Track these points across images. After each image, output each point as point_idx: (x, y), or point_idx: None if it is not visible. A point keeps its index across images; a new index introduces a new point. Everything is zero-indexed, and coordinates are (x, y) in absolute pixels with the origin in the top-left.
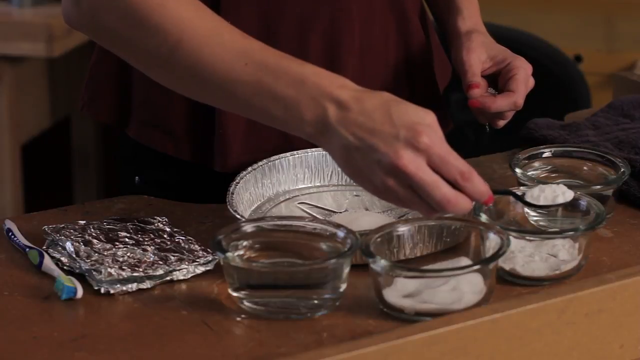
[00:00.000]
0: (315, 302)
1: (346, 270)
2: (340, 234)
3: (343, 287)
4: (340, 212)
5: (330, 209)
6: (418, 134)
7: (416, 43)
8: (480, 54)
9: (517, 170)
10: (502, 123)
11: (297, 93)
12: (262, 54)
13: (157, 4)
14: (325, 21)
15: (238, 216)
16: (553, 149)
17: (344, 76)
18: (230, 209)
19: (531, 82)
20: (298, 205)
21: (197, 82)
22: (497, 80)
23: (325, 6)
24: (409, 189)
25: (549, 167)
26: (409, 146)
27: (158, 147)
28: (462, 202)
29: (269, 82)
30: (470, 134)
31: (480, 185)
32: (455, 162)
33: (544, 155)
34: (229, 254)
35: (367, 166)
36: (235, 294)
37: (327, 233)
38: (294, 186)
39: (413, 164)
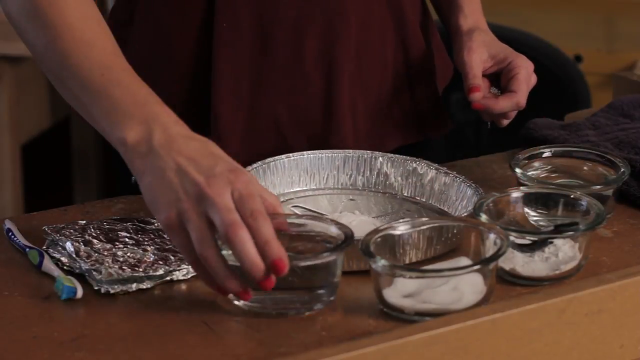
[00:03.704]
0: (311, 297)
1: (340, 264)
2: (334, 229)
3: (338, 281)
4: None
5: (326, 212)
6: (233, 170)
7: (415, 44)
8: (481, 53)
9: (517, 170)
10: (505, 122)
11: (134, 110)
12: (123, 73)
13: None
14: (320, 24)
15: None
16: (553, 149)
17: (340, 80)
18: None
19: (533, 80)
20: (292, 208)
21: (59, 81)
22: (500, 79)
23: (321, 8)
24: (203, 217)
25: (549, 167)
26: (221, 177)
27: None
28: (243, 235)
29: (114, 94)
30: (470, 134)
31: (262, 229)
32: (254, 201)
33: (544, 155)
34: (224, 252)
35: (174, 189)
36: (231, 295)
37: (320, 229)
38: (289, 189)
39: (217, 189)
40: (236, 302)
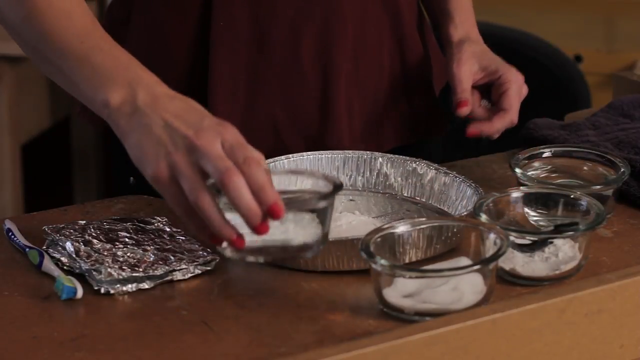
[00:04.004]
0: (300, 246)
1: (330, 214)
2: (322, 182)
3: (327, 232)
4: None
5: None
6: (220, 124)
7: (411, 46)
8: (471, 65)
9: (517, 170)
10: (497, 135)
11: (116, 73)
12: (102, 40)
13: None
14: (317, 24)
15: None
16: (553, 149)
17: (337, 80)
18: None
19: (524, 91)
20: None
21: (38, 54)
22: (491, 91)
23: (317, 8)
24: (195, 167)
25: (549, 167)
26: (209, 129)
27: None
28: (238, 181)
29: (96, 60)
30: None
31: (257, 174)
32: (246, 149)
33: (544, 155)
34: (219, 199)
35: (163, 143)
36: (224, 245)
37: (309, 184)
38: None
39: (207, 140)
40: (226, 253)
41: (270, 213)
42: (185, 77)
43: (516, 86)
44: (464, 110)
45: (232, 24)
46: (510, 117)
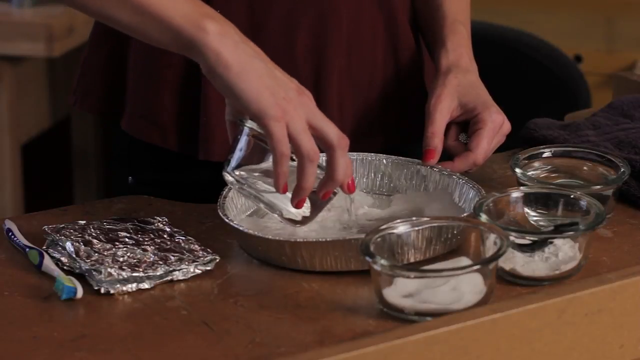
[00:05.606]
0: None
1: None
2: None
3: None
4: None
5: None
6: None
7: (405, 44)
8: (450, 102)
9: (517, 170)
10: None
11: (199, 6)
12: None
13: None
14: (312, 18)
15: (227, 220)
16: (553, 149)
17: (329, 77)
18: (220, 213)
19: (505, 130)
20: None
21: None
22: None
23: (313, 2)
24: (306, 122)
25: (549, 167)
26: (305, 89)
27: (145, 138)
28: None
29: None
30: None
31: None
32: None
33: (544, 155)
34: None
35: (276, 90)
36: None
37: None
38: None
39: (313, 102)
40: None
41: (349, 186)
42: (181, 64)
43: (490, 127)
44: (429, 163)
45: (228, 12)
46: (473, 159)
